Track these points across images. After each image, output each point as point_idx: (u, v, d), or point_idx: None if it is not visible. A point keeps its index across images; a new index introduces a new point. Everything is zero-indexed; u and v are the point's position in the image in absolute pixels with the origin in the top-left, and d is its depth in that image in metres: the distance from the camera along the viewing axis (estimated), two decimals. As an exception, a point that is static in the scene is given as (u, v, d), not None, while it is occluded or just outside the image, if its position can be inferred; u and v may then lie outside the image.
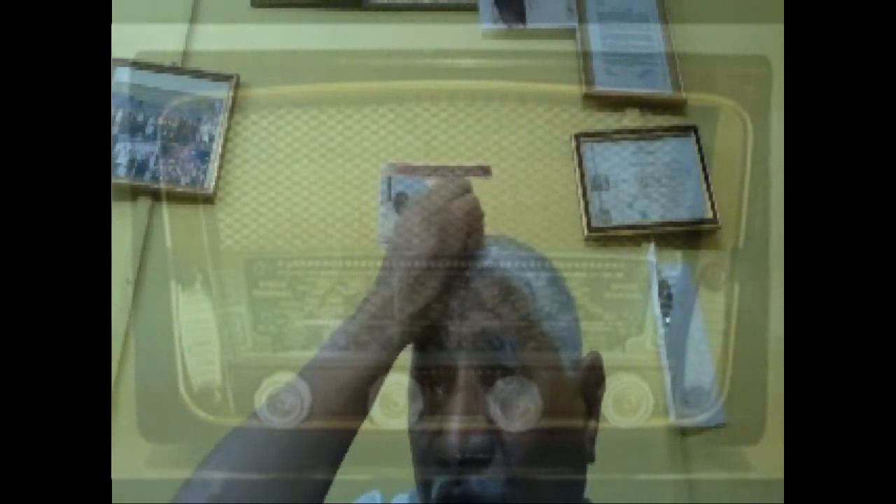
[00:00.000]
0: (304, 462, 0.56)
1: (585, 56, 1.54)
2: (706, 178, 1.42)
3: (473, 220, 0.63)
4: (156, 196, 1.41)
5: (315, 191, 1.42)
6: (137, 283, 1.34)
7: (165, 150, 1.42)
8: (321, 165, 1.44)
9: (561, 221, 1.41)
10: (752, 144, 1.39)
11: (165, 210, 1.39)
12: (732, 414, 1.26)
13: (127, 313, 1.31)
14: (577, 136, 1.46)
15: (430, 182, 1.38)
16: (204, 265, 1.33)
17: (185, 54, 1.52)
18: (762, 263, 1.35)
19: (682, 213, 1.40)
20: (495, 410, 0.58)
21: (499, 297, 0.60)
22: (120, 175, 1.39)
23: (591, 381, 0.65)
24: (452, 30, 1.56)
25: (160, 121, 1.44)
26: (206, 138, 1.44)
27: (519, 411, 0.58)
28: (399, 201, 1.37)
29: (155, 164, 1.41)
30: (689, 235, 1.39)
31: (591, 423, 0.64)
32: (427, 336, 0.60)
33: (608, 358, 0.66)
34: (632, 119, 1.50)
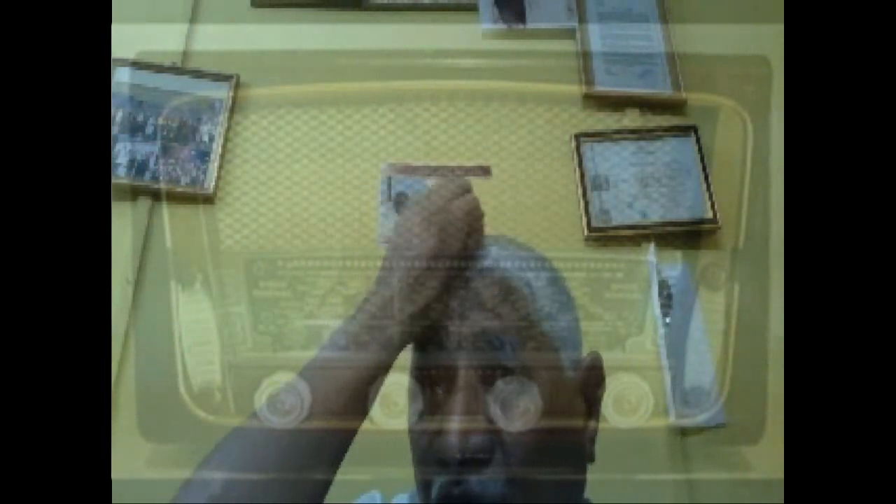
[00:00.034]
0: (304, 462, 0.56)
1: (585, 56, 1.54)
2: (706, 178, 1.42)
3: (473, 220, 0.63)
4: (156, 196, 1.41)
5: (315, 191, 1.42)
6: (137, 283, 1.34)
7: (165, 150, 1.42)
8: (321, 165, 1.44)
9: (561, 221, 1.41)
10: (752, 144, 1.39)
11: (165, 210, 1.39)
12: (732, 414, 1.26)
13: (127, 313, 1.31)
14: (577, 136, 1.46)
15: (430, 182, 1.38)
16: (204, 265, 1.33)
17: (185, 54, 1.52)
18: (762, 263, 1.35)
19: (682, 213, 1.40)
20: (495, 410, 0.58)
21: (499, 297, 0.60)
22: (120, 175, 1.39)
23: (591, 381, 0.65)
24: (452, 30, 1.56)
25: (160, 121, 1.44)
26: (206, 138, 1.44)
27: (519, 411, 0.58)
28: (399, 201, 1.37)
29: (155, 164, 1.41)
30: (689, 235, 1.39)
31: (591, 423, 0.64)
32: (427, 336, 0.60)
33: (608, 358, 0.66)
34: (632, 119, 1.50)
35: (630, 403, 1.04)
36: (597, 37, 1.56)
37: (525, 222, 1.39)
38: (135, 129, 1.43)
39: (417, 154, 1.45)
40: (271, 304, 1.29)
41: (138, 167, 1.40)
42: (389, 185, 1.39)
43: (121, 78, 1.45)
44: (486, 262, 0.62)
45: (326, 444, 0.57)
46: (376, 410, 0.61)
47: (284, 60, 1.51)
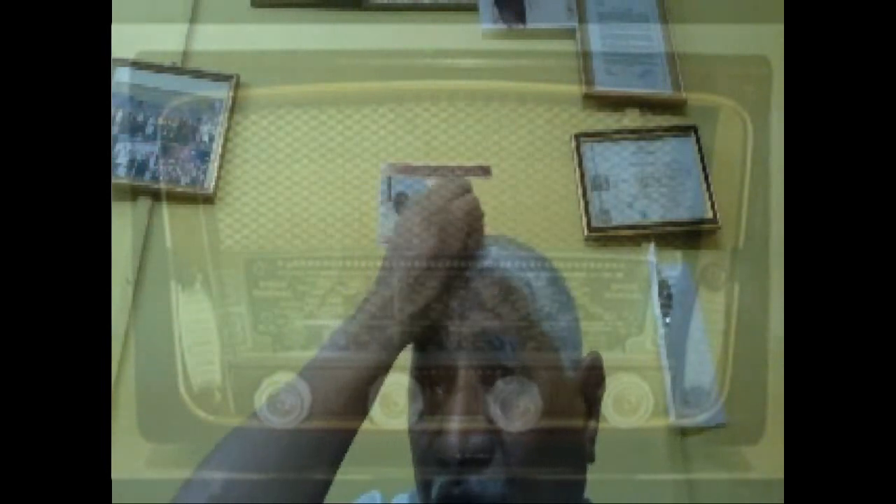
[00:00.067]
0: (304, 462, 0.56)
1: (585, 56, 1.54)
2: (706, 178, 1.42)
3: (473, 221, 0.63)
4: (156, 196, 1.40)
5: (315, 191, 1.42)
6: (137, 283, 1.34)
7: (165, 150, 1.42)
8: (321, 165, 1.44)
9: (561, 221, 1.41)
10: (752, 144, 1.39)
11: (165, 210, 1.39)
12: (732, 414, 1.26)
13: (127, 313, 1.31)
14: (577, 136, 1.46)
15: (430, 182, 1.38)
16: (204, 265, 1.33)
17: (185, 54, 1.52)
18: (762, 263, 1.35)
19: (682, 213, 1.40)
20: (495, 410, 0.58)
21: (499, 297, 0.61)
22: (120, 175, 1.39)
23: (592, 381, 0.65)
24: (452, 30, 1.56)
25: (160, 121, 1.44)
26: (206, 138, 1.44)
27: (519, 411, 0.58)
28: (399, 201, 1.37)
29: (155, 164, 1.41)
30: (689, 235, 1.39)
31: (591, 423, 0.64)
32: (427, 336, 0.60)
33: (608, 358, 0.66)
34: (632, 119, 1.50)
35: (630, 403, 1.04)
36: (597, 37, 1.56)
37: (525, 222, 1.39)
38: (135, 129, 1.43)
39: (417, 154, 1.45)
40: (271, 304, 1.29)
41: (138, 167, 1.40)
42: (389, 185, 1.39)
43: (121, 78, 1.45)
44: (486, 262, 0.62)
45: (326, 444, 0.57)
46: (376, 410, 0.61)
47: (284, 60, 1.51)
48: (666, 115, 1.50)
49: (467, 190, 0.65)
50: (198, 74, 1.49)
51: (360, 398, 0.58)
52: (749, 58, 1.46)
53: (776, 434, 1.21)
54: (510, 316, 0.60)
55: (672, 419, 1.26)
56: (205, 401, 1.24)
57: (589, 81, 1.51)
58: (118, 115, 1.43)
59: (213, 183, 1.40)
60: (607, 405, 0.82)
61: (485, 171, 1.40)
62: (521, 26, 1.57)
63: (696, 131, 1.46)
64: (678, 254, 1.38)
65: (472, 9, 1.57)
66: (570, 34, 1.57)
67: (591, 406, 0.64)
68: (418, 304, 0.59)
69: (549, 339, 0.61)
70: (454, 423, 0.57)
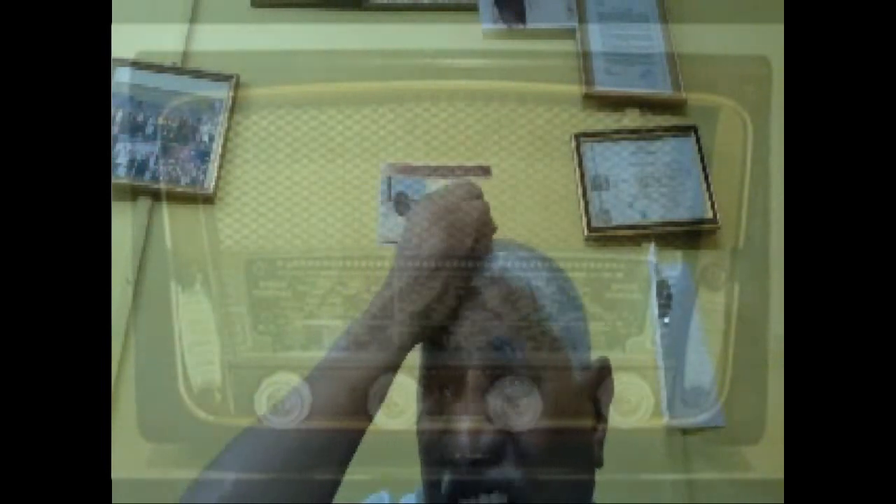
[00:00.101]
0: (312, 462, 0.56)
1: (585, 56, 1.54)
2: (706, 178, 1.42)
3: (482, 225, 0.63)
4: (156, 196, 1.40)
5: (315, 191, 1.42)
6: (137, 283, 1.34)
7: (165, 150, 1.42)
8: (321, 165, 1.44)
9: (561, 221, 1.41)
10: (752, 144, 1.39)
11: (165, 210, 1.39)
12: (732, 414, 1.26)
13: (127, 313, 1.31)
14: (577, 136, 1.46)
15: (430, 182, 1.39)
16: (204, 265, 1.33)
17: (185, 54, 1.52)
18: (762, 263, 1.35)
19: (682, 213, 1.40)
20: (504, 411, 0.58)
21: (507, 299, 0.61)
22: (120, 175, 1.39)
23: (600, 384, 0.65)
24: (452, 30, 1.56)
25: (160, 121, 1.44)
26: (206, 138, 1.44)
27: (528, 413, 0.58)
28: (399, 201, 1.37)
29: (155, 164, 1.41)
30: (689, 235, 1.39)
31: (600, 427, 0.64)
32: (437, 336, 0.61)
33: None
34: (632, 119, 1.50)
35: (630, 403, 1.04)
36: (597, 37, 1.56)
37: (525, 222, 1.39)
38: (135, 129, 1.43)
39: (417, 154, 1.45)
40: (271, 304, 1.29)
41: (138, 167, 1.40)
42: (389, 185, 1.39)
43: (121, 78, 1.45)
44: (496, 265, 0.63)
45: (335, 444, 0.57)
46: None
47: (284, 60, 1.51)
48: (666, 115, 1.50)
49: (478, 195, 0.65)
50: (198, 74, 1.49)
51: (369, 399, 0.58)
52: (749, 58, 1.46)
53: (776, 434, 1.21)
54: (519, 318, 0.60)
55: (668, 420, 1.26)
56: (205, 401, 1.24)
57: (589, 81, 1.51)
58: (118, 115, 1.43)
59: (213, 183, 1.40)
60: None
61: (485, 171, 1.40)
62: (521, 26, 1.57)
63: (696, 131, 1.46)
64: (678, 254, 1.38)
65: (472, 9, 1.57)
66: (570, 34, 1.57)
67: (600, 410, 0.64)
68: (426, 304, 0.59)
69: (559, 341, 0.62)
70: (464, 423, 0.57)
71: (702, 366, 1.30)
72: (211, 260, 1.34)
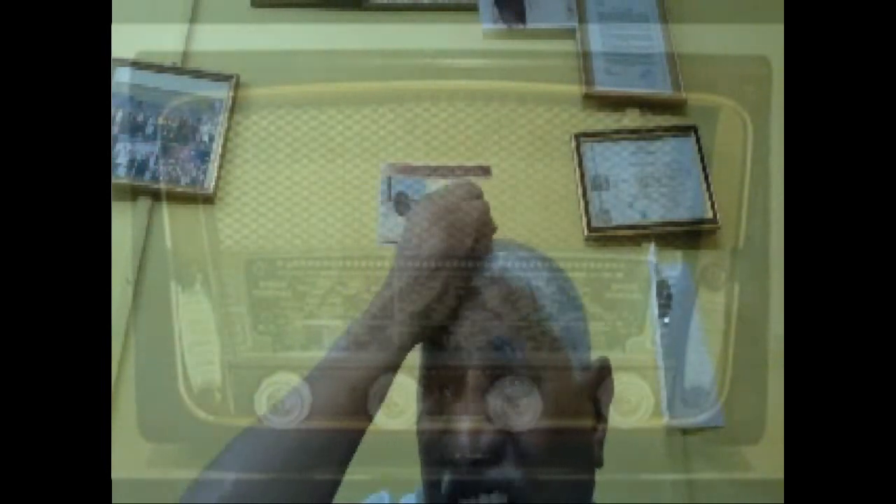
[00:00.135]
0: (313, 462, 0.56)
1: (585, 56, 1.54)
2: (706, 178, 1.42)
3: (482, 225, 0.63)
4: (156, 196, 1.40)
5: (315, 191, 1.42)
6: (137, 283, 1.34)
7: (165, 150, 1.42)
8: (321, 165, 1.44)
9: (561, 221, 1.41)
10: (752, 144, 1.39)
11: (165, 210, 1.39)
12: (732, 414, 1.26)
13: (127, 313, 1.31)
14: (577, 136, 1.46)
15: (430, 182, 1.39)
16: (204, 265, 1.33)
17: (185, 54, 1.52)
18: (762, 263, 1.35)
19: (682, 213, 1.40)
20: (504, 411, 0.58)
21: (508, 300, 0.61)
22: (120, 175, 1.39)
23: (600, 384, 0.65)
24: (452, 30, 1.56)
25: (160, 121, 1.44)
26: (206, 138, 1.44)
27: (528, 413, 0.58)
28: (399, 201, 1.37)
29: (155, 164, 1.41)
30: (689, 235, 1.39)
31: (600, 427, 0.64)
32: (437, 336, 0.61)
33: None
34: (632, 119, 1.50)
35: (630, 403, 1.04)
36: (597, 37, 1.56)
37: (525, 222, 1.39)
38: (135, 129, 1.43)
39: (417, 154, 1.45)
40: (271, 304, 1.29)
41: (138, 167, 1.40)
42: (389, 185, 1.39)
43: (121, 78, 1.45)
44: (497, 265, 0.63)
45: (336, 444, 0.58)
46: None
47: (284, 60, 1.51)
48: (666, 115, 1.50)
49: (478, 196, 0.65)
50: (198, 74, 1.49)
51: (367, 398, 0.58)
52: (749, 58, 1.46)
53: (776, 434, 1.21)
54: (519, 318, 0.60)
55: (666, 419, 1.26)
56: (205, 401, 1.24)
57: (589, 81, 1.51)
58: (118, 115, 1.43)
59: (213, 183, 1.40)
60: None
61: (485, 171, 1.40)
62: (521, 26, 1.57)
63: (696, 131, 1.46)
64: (678, 254, 1.38)
65: (472, 9, 1.57)
66: (570, 34, 1.57)
67: (600, 410, 0.64)
68: (424, 303, 0.59)
69: (559, 341, 0.62)
70: (464, 423, 0.57)
71: (702, 366, 1.30)
72: (211, 260, 1.34)
